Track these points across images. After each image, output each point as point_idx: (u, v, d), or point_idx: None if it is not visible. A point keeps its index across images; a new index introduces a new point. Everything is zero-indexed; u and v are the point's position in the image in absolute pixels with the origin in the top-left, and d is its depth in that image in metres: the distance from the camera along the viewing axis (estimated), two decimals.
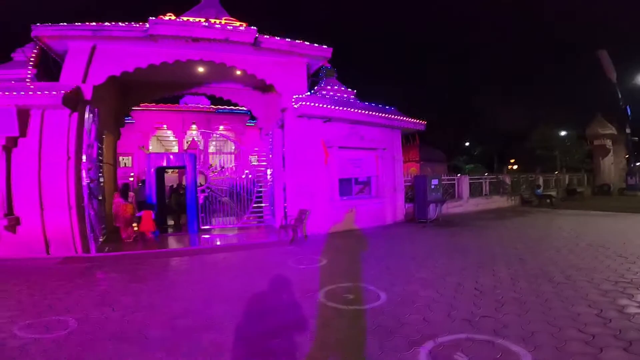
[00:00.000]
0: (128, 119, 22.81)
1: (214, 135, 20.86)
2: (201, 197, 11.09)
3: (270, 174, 11.93)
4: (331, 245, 8.68)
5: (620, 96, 23.56)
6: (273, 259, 7.49)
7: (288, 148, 10.23)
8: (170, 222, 11.97)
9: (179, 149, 23.33)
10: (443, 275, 5.62)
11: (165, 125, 23.65)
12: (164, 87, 12.15)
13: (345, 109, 10.64)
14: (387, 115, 11.74)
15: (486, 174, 18.30)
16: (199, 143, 19.95)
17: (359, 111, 10.90)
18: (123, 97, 11.79)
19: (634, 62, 25.56)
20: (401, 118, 12.17)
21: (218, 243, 9.51)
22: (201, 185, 11.37)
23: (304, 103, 9.90)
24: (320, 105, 10.23)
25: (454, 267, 6.07)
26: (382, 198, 11.81)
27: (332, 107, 10.39)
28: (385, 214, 11.94)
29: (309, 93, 10.64)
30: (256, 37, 9.39)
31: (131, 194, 11.69)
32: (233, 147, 17.56)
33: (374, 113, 11.28)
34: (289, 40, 10.00)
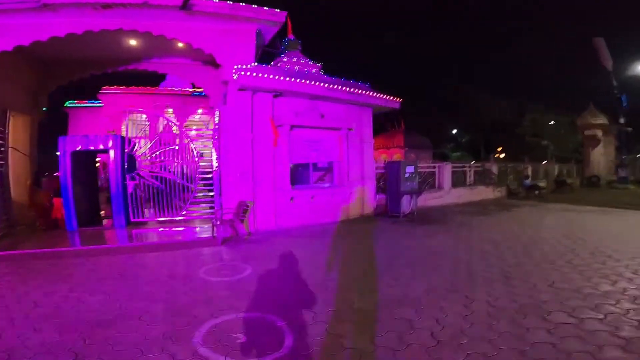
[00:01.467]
0: (95, 102, 20.61)
1: (189, 118, 18.49)
2: (130, 185, 9.10)
3: (216, 159, 9.98)
4: (272, 247, 6.87)
5: (615, 84, 22.02)
6: (186, 264, 5.66)
7: (226, 126, 8.27)
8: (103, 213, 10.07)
9: (150, 133, 21.09)
10: (398, 300, 3.87)
11: (141, 109, 21.30)
12: (93, 63, 9.95)
13: (301, 81, 8.67)
14: (352, 90, 9.77)
15: (472, 162, 16.50)
16: (173, 127, 17.82)
17: (318, 84, 8.94)
18: (42, 75, 9.56)
19: (631, 52, 23.86)
20: (370, 93, 10.21)
21: (131, 241, 7.63)
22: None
23: (245, 73, 7.90)
24: (268, 76, 8.23)
25: (416, 288, 4.31)
26: (347, 187, 9.98)
27: (283, 78, 8.40)
28: (351, 206, 10.15)
29: (255, 64, 8.62)
30: (185, 0, 7.33)
31: (44, 180, 9.59)
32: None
33: (336, 87, 9.30)
34: (231, 2, 7.93)
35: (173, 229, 8.86)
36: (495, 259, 5.54)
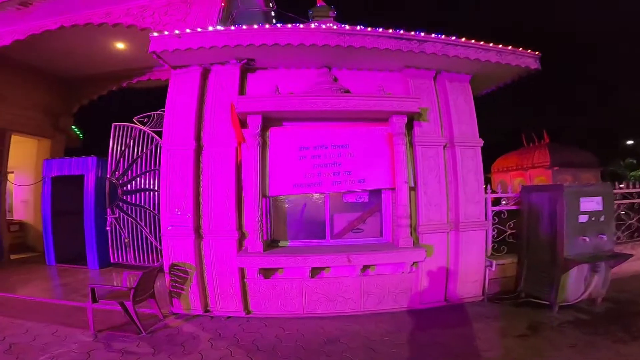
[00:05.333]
0: None
1: None
2: (109, 219, 6.77)
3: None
4: None
5: None
6: None
7: (166, 129, 4.63)
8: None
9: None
10: None
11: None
12: (111, 79, 8.50)
13: (291, 27, 4.23)
14: (404, 35, 4.47)
15: None
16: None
17: (327, 26, 4.23)
18: (64, 95, 8.68)
19: None
20: (451, 40, 4.60)
21: None
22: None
23: (172, 33, 4.18)
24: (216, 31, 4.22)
25: None
26: (412, 250, 4.41)
27: (254, 31, 4.18)
28: (422, 282, 4.61)
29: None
30: None
31: None
32: None
33: (368, 30, 4.32)
34: None
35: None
36: None
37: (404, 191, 4.36)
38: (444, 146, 4.90)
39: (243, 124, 4.24)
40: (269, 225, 4.53)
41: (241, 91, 4.56)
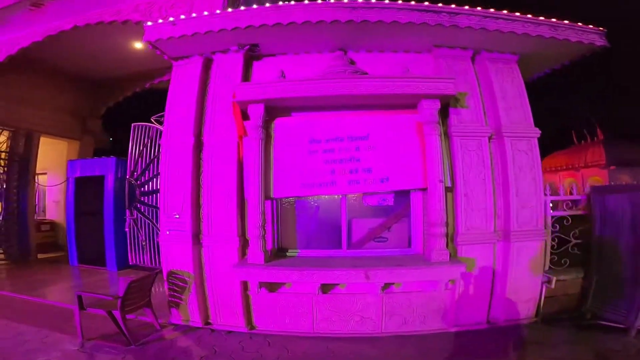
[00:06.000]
0: None
1: None
2: (128, 220, 6.62)
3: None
4: None
5: None
6: None
7: (167, 124, 4.20)
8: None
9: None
10: None
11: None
12: (135, 79, 8.45)
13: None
14: (430, 7, 3.66)
15: None
16: None
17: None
18: (92, 97, 8.73)
19: None
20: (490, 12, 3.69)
21: None
22: None
23: (166, 21, 3.79)
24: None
25: None
26: (449, 266, 3.52)
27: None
28: (470, 300, 3.75)
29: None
30: None
31: None
32: None
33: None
34: None
35: None
36: None
37: (438, 192, 3.53)
38: (489, 137, 3.99)
39: (245, 115, 3.67)
40: (275, 231, 3.93)
41: (245, 80, 4.00)
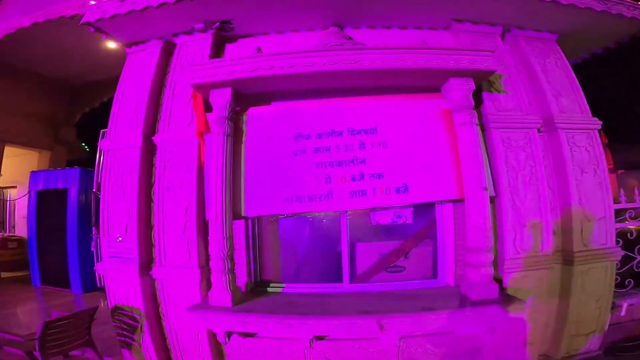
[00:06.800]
0: None
1: None
2: (94, 238, 5.65)
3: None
4: None
5: None
6: None
7: (112, 123, 3.25)
8: None
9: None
10: None
11: None
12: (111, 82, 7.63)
13: None
14: None
15: None
16: None
17: None
18: (66, 104, 7.87)
19: None
20: None
21: None
22: None
23: None
24: None
25: None
26: (498, 307, 2.42)
27: None
28: (518, 338, 2.65)
29: None
30: None
31: None
32: None
33: None
34: None
35: None
36: None
37: (481, 204, 2.46)
38: (538, 129, 2.96)
39: (209, 106, 2.69)
40: (251, 259, 2.89)
41: (210, 58, 3.04)
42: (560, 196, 2.90)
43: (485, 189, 2.43)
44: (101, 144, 3.12)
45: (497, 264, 2.74)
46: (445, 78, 2.66)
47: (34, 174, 6.22)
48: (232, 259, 2.51)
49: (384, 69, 2.50)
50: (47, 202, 6.04)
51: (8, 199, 7.87)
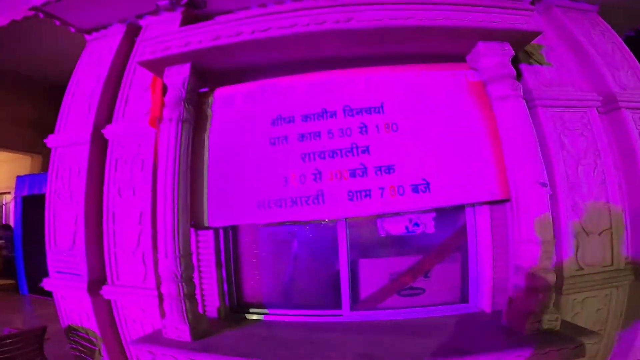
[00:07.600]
0: None
1: None
2: None
3: None
4: None
5: None
6: None
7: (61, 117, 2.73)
8: None
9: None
10: None
11: None
12: None
13: None
14: None
15: None
16: None
17: None
18: (53, 107, 7.57)
19: None
20: None
21: None
22: None
23: None
24: None
25: None
26: (567, 343, 1.74)
27: None
28: None
29: None
30: None
31: None
32: None
33: None
34: None
35: None
36: None
37: (539, 206, 1.75)
38: (597, 109, 2.25)
39: (159, 88, 2.11)
40: (224, 279, 2.27)
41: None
42: (629, 192, 2.18)
43: (545, 184, 1.73)
44: (48, 140, 2.58)
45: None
46: (472, 42, 2.00)
47: (20, 179, 5.87)
48: (190, 281, 1.90)
49: (384, 27, 1.85)
50: (32, 208, 5.66)
51: (3, 204, 7.59)
